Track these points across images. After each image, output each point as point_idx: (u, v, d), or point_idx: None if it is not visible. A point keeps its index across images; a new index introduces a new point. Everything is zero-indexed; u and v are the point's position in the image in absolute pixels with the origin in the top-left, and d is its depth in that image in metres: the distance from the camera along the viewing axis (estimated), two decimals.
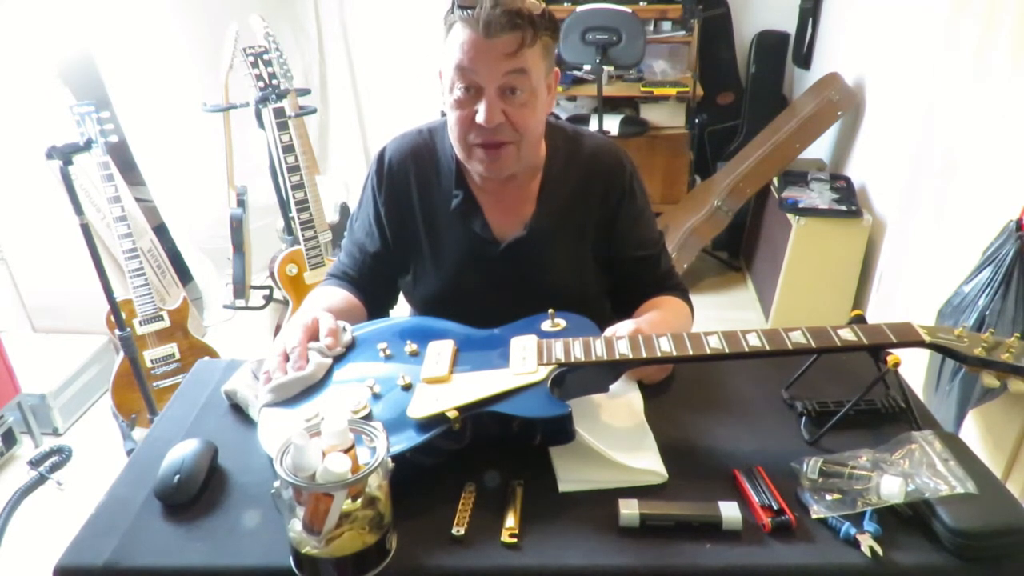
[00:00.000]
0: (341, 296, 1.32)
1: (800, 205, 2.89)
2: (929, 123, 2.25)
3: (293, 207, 2.59)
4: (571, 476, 0.95)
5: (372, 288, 1.36)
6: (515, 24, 1.08)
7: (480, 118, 1.12)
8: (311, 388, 1.01)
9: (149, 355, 2.45)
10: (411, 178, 1.30)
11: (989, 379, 0.95)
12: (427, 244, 1.31)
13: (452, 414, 0.91)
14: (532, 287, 1.26)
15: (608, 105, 3.54)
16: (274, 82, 2.53)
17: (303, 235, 2.61)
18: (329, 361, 1.05)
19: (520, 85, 1.12)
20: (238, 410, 1.13)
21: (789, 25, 3.71)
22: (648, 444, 1.00)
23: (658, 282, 1.35)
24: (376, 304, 1.36)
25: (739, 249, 3.75)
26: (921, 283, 2.18)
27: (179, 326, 2.49)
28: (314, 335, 1.09)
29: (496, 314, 1.11)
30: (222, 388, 1.14)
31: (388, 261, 1.35)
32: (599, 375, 1.03)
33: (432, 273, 1.32)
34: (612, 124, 3.56)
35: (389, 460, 0.82)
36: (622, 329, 1.08)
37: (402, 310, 1.44)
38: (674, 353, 0.98)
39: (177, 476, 0.93)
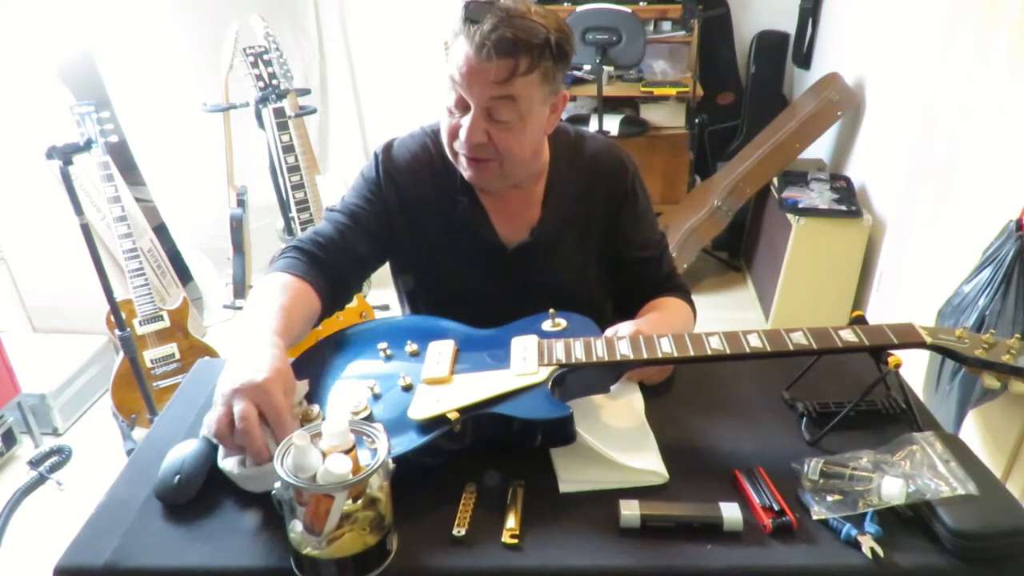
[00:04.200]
0: (293, 304, 1.10)
1: (800, 205, 2.89)
2: (929, 123, 2.25)
3: (293, 207, 2.59)
4: (572, 477, 0.95)
5: (337, 269, 1.20)
6: (510, 52, 1.06)
7: (461, 134, 1.13)
8: (311, 389, 1.01)
9: (149, 355, 2.45)
10: (416, 178, 1.27)
11: (989, 380, 0.95)
12: (430, 246, 1.29)
13: (453, 415, 0.91)
14: (537, 290, 1.25)
15: (608, 105, 3.53)
16: (274, 82, 2.52)
17: None
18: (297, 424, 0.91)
19: (505, 111, 1.11)
20: None
21: (789, 25, 3.71)
22: (649, 445, 1.00)
23: (660, 283, 1.35)
24: (334, 291, 1.20)
25: (739, 249, 3.75)
26: (921, 283, 2.18)
27: (179, 326, 2.49)
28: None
29: (499, 317, 1.11)
30: None
31: (367, 245, 1.25)
32: (600, 376, 1.03)
33: (436, 276, 1.31)
34: (612, 124, 3.56)
35: (390, 461, 0.82)
36: (623, 329, 1.08)
37: (401, 311, 1.44)
38: (675, 354, 0.98)
39: (177, 476, 0.93)
